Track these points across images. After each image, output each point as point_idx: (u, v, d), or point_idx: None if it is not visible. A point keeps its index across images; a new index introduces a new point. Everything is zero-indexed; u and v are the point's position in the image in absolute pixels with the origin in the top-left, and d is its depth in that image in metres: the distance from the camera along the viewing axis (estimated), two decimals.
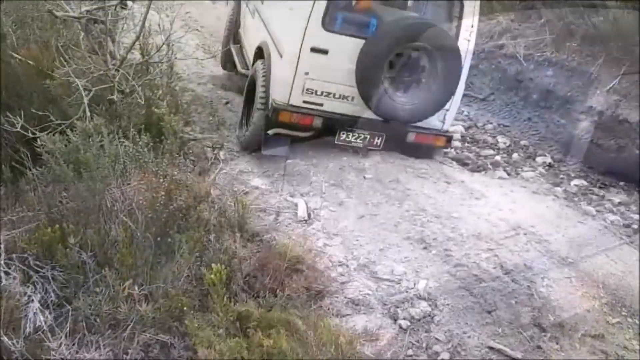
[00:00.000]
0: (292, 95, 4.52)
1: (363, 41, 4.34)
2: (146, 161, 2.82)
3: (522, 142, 5.71)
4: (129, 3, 4.25)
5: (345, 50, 4.38)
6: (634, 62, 5.29)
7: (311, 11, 4.30)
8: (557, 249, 3.46)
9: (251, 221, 3.85)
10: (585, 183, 4.93)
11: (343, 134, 4.67)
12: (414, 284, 3.22)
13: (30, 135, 3.18)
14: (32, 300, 2.41)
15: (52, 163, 3.00)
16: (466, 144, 5.86)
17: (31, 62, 3.82)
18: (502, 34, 6.94)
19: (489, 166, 5.33)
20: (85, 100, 3.42)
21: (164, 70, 4.82)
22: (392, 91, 4.45)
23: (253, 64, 5.23)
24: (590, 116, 5.35)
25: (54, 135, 3.13)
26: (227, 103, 6.10)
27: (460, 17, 4.57)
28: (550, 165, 5.26)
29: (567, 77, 5.82)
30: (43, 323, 2.36)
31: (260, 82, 4.76)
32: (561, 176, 5.07)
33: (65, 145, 2.97)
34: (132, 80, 3.70)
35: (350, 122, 4.63)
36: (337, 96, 4.57)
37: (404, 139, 4.73)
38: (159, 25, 4.75)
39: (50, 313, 2.45)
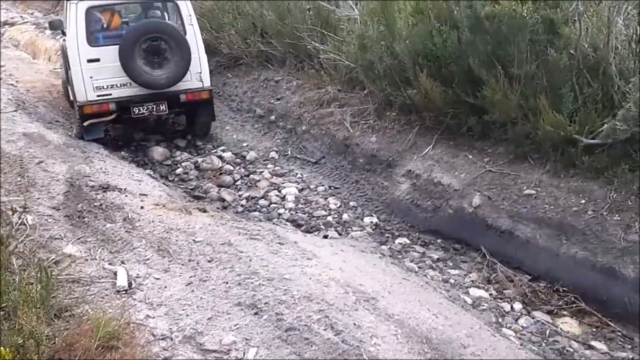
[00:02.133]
0: (87, 94, 6.65)
1: None
2: None
3: (351, 203, 5.93)
4: None
5: (112, 54, 6.57)
6: (443, 131, 5.86)
7: (77, 36, 6.56)
8: (384, 306, 3.52)
9: (59, 294, 3.39)
10: (407, 241, 5.21)
11: (135, 109, 6.81)
12: (244, 354, 3.03)
13: None
14: None
15: None
16: (300, 205, 5.94)
17: None
18: (330, 102, 7.33)
19: (322, 226, 5.43)
20: None
21: None
22: (150, 69, 6.64)
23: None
24: (410, 179, 5.76)
25: None
26: (40, 162, 5.49)
27: (180, 12, 7.00)
28: (376, 225, 5.50)
29: (389, 143, 6.26)
30: None
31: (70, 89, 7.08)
32: (386, 235, 5.31)
33: None
34: None
35: (136, 100, 6.80)
36: (118, 85, 6.72)
37: (179, 100, 6.97)
38: None
39: None
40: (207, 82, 7.11)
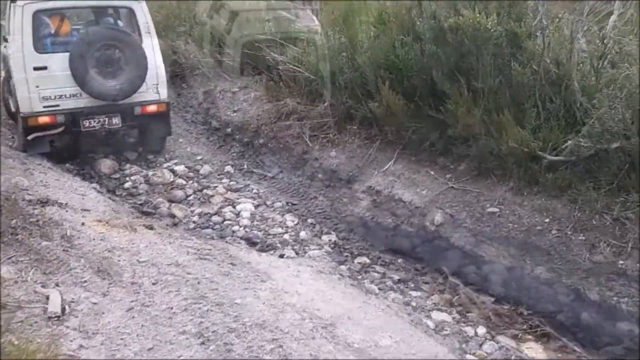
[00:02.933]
0: (32, 105, 6.09)
1: None
2: None
3: (309, 221, 5.68)
4: None
5: (61, 62, 6.10)
6: (405, 146, 5.71)
7: (22, 42, 5.99)
8: (343, 333, 3.28)
9: None
10: (367, 260, 4.99)
11: (85, 122, 6.29)
12: None
13: None
14: None
15: None
16: (255, 222, 5.65)
17: None
18: (289, 115, 7.09)
19: (278, 245, 5.15)
20: None
21: None
22: (102, 79, 6.20)
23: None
24: (370, 195, 5.57)
25: None
26: None
27: (136, 19, 6.59)
28: (335, 244, 5.25)
29: (349, 158, 6.06)
30: None
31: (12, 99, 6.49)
32: (345, 254, 5.07)
33: None
34: None
35: (86, 112, 6.29)
36: (67, 96, 6.20)
37: (133, 113, 6.50)
38: None
39: None
40: (164, 95, 6.68)
